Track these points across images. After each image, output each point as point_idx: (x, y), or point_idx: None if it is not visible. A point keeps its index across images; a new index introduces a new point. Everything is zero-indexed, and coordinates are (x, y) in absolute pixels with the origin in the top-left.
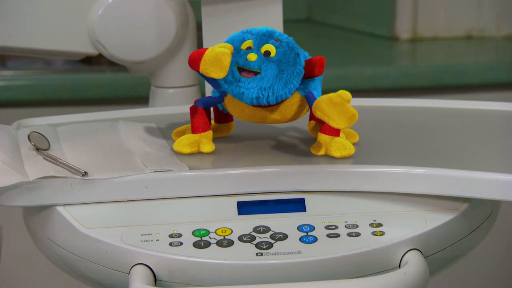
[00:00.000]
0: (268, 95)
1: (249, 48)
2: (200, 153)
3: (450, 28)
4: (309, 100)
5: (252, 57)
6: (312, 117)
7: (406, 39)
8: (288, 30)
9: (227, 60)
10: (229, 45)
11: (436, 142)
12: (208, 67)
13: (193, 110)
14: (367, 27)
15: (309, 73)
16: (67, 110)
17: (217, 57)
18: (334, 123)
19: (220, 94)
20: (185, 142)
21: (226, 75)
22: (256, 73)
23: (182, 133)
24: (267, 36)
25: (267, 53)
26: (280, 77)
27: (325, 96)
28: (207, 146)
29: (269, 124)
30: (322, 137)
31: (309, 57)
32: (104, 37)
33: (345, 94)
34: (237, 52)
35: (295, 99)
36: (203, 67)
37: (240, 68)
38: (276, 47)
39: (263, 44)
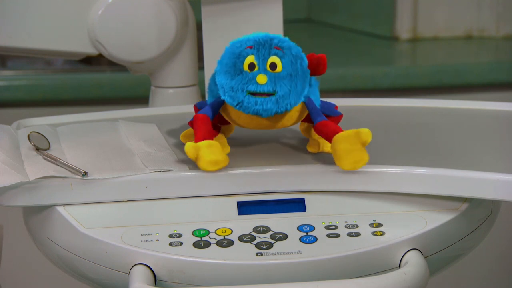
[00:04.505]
0: (286, 108)
1: (252, 66)
2: None
3: (450, 28)
4: (309, 107)
5: (262, 79)
6: (304, 119)
7: (406, 39)
8: (288, 30)
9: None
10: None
11: (436, 142)
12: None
13: (193, 124)
14: (367, 27)
15: (312, 74)
16: (67, 110)
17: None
18: (338, 163)
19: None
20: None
21: (242, 102)
22: (270, 94)
23: (193, 135)
24: (267, 46)
25: (273, 66)
26: (295, 90)
27: (346, 134)
28: (224, 148)
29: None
30: (316, 135)
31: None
32: (104, 37)
33: (365, 135)
34: (242, 75)
35: (297, 107)
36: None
37: (252, 94)
38: (281, 57)
39: (267, 57)
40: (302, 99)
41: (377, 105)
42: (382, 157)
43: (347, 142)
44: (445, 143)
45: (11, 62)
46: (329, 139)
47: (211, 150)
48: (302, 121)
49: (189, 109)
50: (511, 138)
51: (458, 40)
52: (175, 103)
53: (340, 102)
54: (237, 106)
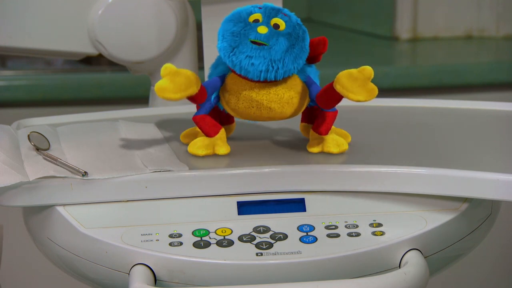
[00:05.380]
0: (278, 68)
1: (257, 21)
2: None
3: (450, 28)
4: (308, 83)
5: (263, 29)
6: (303, 119)
7: (406, 39)
8: None
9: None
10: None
11: (436, 142)
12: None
13: (197, 119)
14: (367, 27)
15: (313, 52)
16: (67, 110)
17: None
18: (353, 96)
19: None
20: (200, 144)
21: (238, 46)
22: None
23: (193, 135)
24: (275, 10)
25: (277, 26)
26: (291, 51)
27: (345, 71)
28: (223, 148)
29: (268, 125)
30: (315, 135)
31: None
32: (104, 37)
33: (366, 70)
34: (246, 25)
35: (297, 85)
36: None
37: (252, 41)
38: (286, 21)
39: (272, 17)
40: (296, 71)
41: (377, 105)
42: (382, 157)
43: (352, 76)
44: (445, 143)
45: (11, 62)
46: (333, 97)
47: (172, 78)
48: (302, 121)
49: (189, 109)
50: (511, 138)
51: (458, 40)
52: (175, 103)
53: (340, 102)
54: (232, 53)
